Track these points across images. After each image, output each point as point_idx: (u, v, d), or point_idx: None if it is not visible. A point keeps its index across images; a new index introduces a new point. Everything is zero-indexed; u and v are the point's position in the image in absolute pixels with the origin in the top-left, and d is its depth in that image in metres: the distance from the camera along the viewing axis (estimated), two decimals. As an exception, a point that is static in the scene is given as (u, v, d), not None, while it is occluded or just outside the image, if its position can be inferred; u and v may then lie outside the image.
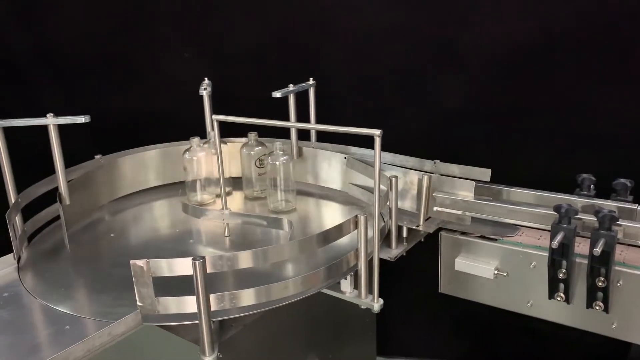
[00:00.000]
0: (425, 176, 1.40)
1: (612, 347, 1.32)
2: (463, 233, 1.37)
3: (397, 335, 2.10)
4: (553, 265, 1.20)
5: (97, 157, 1.62)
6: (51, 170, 1.38)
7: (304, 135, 1.70)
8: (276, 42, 1.99)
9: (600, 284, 1.16)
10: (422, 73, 1.78)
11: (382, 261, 1.23)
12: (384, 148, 1.54)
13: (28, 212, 1.40)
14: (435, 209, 1.41)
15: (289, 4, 1.92)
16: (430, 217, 1.43)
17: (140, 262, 1.01)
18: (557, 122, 1.63)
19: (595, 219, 1.14)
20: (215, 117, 1.33)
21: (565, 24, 1.55)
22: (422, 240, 1.42)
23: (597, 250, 1.09)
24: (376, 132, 1.10)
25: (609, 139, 1.57)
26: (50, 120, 1.32)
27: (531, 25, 1.59)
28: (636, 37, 1.48)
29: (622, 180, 1.29)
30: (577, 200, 1.29)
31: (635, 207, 1.25)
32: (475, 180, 1.38)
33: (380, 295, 1.21)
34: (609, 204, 1.26)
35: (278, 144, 1.52)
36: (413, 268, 1.80)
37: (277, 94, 1.50)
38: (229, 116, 1.33)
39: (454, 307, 1.60)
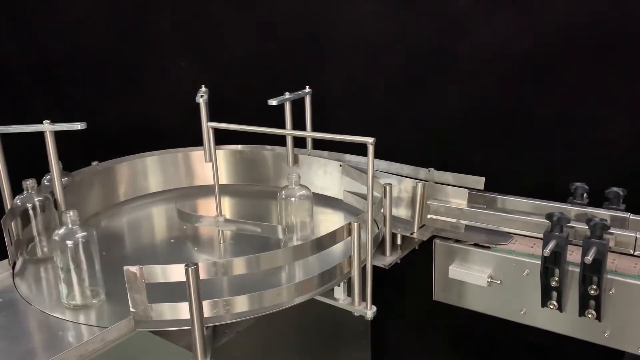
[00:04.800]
0: (420, 184, 1.41)
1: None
2: (457, 241, 1.37)
3: (392, 342, 2.10)
4: (545, 273, 1.20)
5: (94, 163, 1.63)
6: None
7: (300, 142, 1.71)
8: (273, 50, 2.00)
9: (592, 292, 1.16)
10: (419, 81, 1.79)
11: (376, 268, 1.24)
12: (380, 156, 1.56)
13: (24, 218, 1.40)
14: (429, 216, 1.42)
15: (286, 11, 1.94)
16: (424, 225, 1.43)
17: (134, 268, 1.02)
18: (551, 131, 1.64)
19: (587, 227, 1.14)
20: (210, 124, 1.34)
21: (561, 34, 1.56)
22: (416, 247, 1.43)
23: (589, 258, 1.10)
24: (369, 140, 1.11)
25: (602, 148, 1.58)
26: (47, 127, 1.33)
27: (527, 35, 1.60)
28: (632, 48, 1.49)
29: (615, 188, 1.30)
30: (570, 209, 1.30)
31: (627, 216, 1.25)
32: (469, 189, 1.39)
33: (374, 302, 1.21)
34: (601, 213, 1.26)
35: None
36: (407, 276, 1.81)
37: (273, 102, 1.51)
38: (224, 124, 1.34)
39: (449, 314, 1.61)
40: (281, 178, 1.74)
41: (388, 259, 1.36)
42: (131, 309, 1.05)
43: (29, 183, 1.33)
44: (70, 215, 1.14)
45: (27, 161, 1.53)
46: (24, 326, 1.10)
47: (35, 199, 1.33)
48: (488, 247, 1.33)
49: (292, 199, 1.37)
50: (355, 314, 1.22)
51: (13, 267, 1.32)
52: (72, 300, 1.14)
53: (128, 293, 1.04)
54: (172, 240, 1.46)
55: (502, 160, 1.71)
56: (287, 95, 1.57)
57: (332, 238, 1.17)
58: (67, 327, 1.08)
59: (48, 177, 1.47)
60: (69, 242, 1.13)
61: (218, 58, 2.08)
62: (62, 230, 1.14)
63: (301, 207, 1.37)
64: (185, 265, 0.99)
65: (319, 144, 1.71)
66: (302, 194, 1.37)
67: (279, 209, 1.38)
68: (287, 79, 1.94)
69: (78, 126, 1.32)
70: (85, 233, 1.14)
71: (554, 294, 1.22)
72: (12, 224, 1.33)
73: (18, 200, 1.32)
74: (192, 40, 2.09)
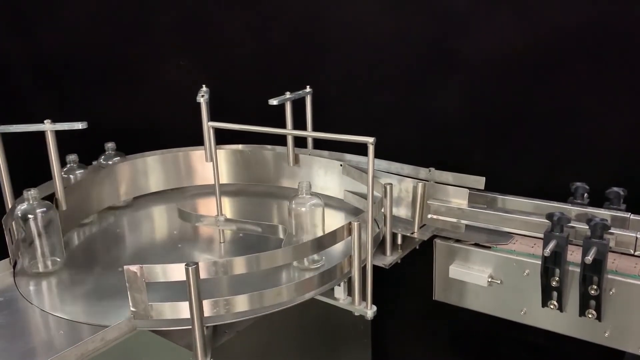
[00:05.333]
0: (420, 184, 1.41)
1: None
2: (457, 241, 1.37)
3: (392, 342, 2.10)
4: (546, 273, 1.20)
5: (94, 163, 1.63)
6: (48, 176, 1.39)
7: (300, 142, 1.71)
8: (274, 49, 2.00)
9: (592, 292, 1.16)
10: (420, 81, 1.79)
11: (376, 268, 1.24)
12: (381, 156, 1.56)
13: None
14: (429, 216, 1.42)
15: (287, 11, 1.94)
16: (424, 225, 1.43)
17: (134, 268, 1.02)
18: (552, 131, 1.64)
19: (588, 227, 1.14)
20: (210, 124, 1.34)
21: (562, 34, 1.55)
22: (417, 247, 1.43)
23: (589, 258, 1.10)
24: (369, 140, 1.11)
25: (603, 148, 1.58)
26: (48, 127, 1.33)
27: (528, 34, 1.60)
28: (632, 48, 1.49)
29: (615, 188, 1.30)
30: (571, 209, 1.29)
31: (628, 216, 1.25)
32: (470, 188, 1.39)
33: (375, 302, 1.21)
34: (601, 213, 1.26)
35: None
36: (407, 275, 1.81)
37: (273, 102, 1.52)
38: (225, 123, 1.34)
39: (449, 314, 1.61)
40: (282, 178, 1.74)
41: (388, 259, 1.36)
42: (131, 308, 1.05)
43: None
44: (31, 193, 1.27)
45: (28, 161, 1.53)
46: (24, 325, 1.11)
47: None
48: (488, 247, 1.33)
49: (303, 208, 1.28)
50: (356, 314, 1.22)
51: (14, 266, 1.32)
52: (34, 268, 1.29)
53: (128, 292, 1.04)
54: (172, 240, 1.46)
55: (502, 160, 1.71)
56: (288, 95, 1.58)
57: (332, 237, 1.17)
58: (67, 326, 1.08)
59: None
60: (30, 216, 1.27)
61: (218, 57, 2.08)
62: (24, 206, 1.28)
63: (312, 216, 1.28)
64: (185, 265, 0.99)
65: (319, 144, 1.71)
66: (313, 202, 1.28)
67: (289, 218, 1.29)
68: (288, 78, 1.94)
69: (79, 126, 1.33)
70: (44, 209, 1.27)
71: (555, 294, 1.22)
72: (13, 223, 1.33)
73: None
74: (192, 39, 2.09)
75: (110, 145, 1.66)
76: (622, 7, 1.47)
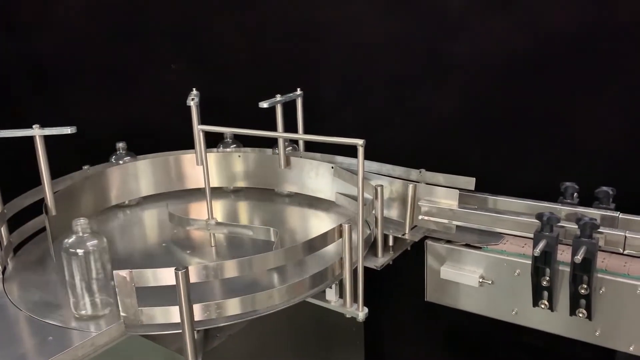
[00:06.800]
0: (411, 185, 1.41)
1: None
2: (448, 241, 1.38)
3: (385, 343, 2.10)
4: (536, 273, 1.20)
5: (85, 167, 1.63)
6: (38, 181, 1.39)
7: (294, 144, 1.71)
8: (267, 52, 2.00)
9: (582, 291, 1.17)
10: (414, 83, 1.79)
11: (368, 270, 1.24)
12: (375, 158, 1.56)
13: (14, 223, 1.40)
14: (420, 217, 1.42)
15: (280, 14, 1.94)
16: (416, 226, 1.43)
17: (124, 273, 1.01)
18: (544, 132, 1.65)
19: (577, 226, 1.15)
20: (200, 127, 1.34)
21: (555, 37, 1.56)
22: (408, 249, 1.43)
23: (578, 257, 1.10)
24: (359, 142, 1.11)
25: (593, 148, 1.59)
26: (37, 132, 1.32)
27: (521, 37, 1.61)
28: (625, 51, 1.50)
29: (605, 188, 1.30)
30: (560, 208, 1.30)
31: (617, 215, 1.26)
32: (460, 189, 1.40)
33: (367, 304, 1.21)
34: (591, 212, 1.27)
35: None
36: (399, 277, 1.81)
37: (264, 105, 1.51)
38: (215, 126, 1.34)
39: (442, 314, 1.61)
40: (273, 180, 1.74)
41: (380, 260, 1.36)
42: (121, 313, 1.05)
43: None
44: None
45: (18, 166, 1.52)
46: (14, 331, 1.10)
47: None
48: (479, 248, 1.33)
49: (80, 251, 1.07)
50: (347, 316, 1.22)
51: (3, 272, 1.31)
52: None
53: (118, 297, 1.03)
54: (163, 244, 1.45)
55: (495, 161, 1.72)
56: (278, 97, 1.57)
57: (323, 240, 1.17)
58: (57, 332, 1.07)
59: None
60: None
61: (212, 61, 2.08)
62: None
63: (92, 263, 1.09)
64: (175, 269, 0.99)
65: (313, 146, 1.71)
66: (93, 243, 1.09)
67: (64, 265, 1.09)
68: (283, 81, 1.94)
69: (68, 130, 1.32)
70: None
71: (545, 293, 1.22)
72: (2, 228, 1.33)
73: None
74: (186, 42, 2.08)
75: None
76: (615, 9, 1.48)
